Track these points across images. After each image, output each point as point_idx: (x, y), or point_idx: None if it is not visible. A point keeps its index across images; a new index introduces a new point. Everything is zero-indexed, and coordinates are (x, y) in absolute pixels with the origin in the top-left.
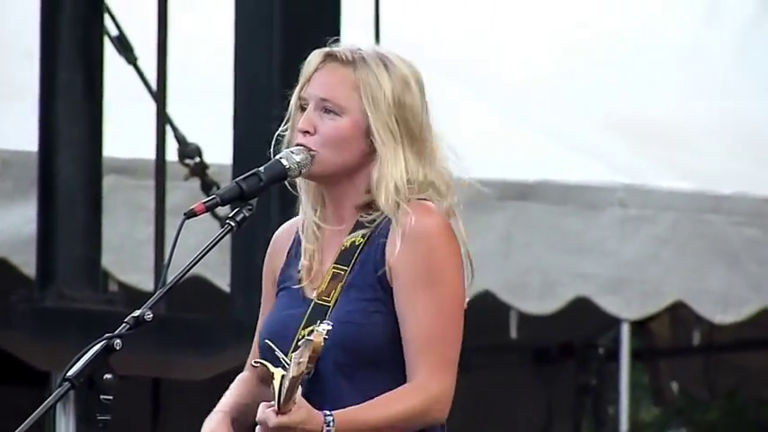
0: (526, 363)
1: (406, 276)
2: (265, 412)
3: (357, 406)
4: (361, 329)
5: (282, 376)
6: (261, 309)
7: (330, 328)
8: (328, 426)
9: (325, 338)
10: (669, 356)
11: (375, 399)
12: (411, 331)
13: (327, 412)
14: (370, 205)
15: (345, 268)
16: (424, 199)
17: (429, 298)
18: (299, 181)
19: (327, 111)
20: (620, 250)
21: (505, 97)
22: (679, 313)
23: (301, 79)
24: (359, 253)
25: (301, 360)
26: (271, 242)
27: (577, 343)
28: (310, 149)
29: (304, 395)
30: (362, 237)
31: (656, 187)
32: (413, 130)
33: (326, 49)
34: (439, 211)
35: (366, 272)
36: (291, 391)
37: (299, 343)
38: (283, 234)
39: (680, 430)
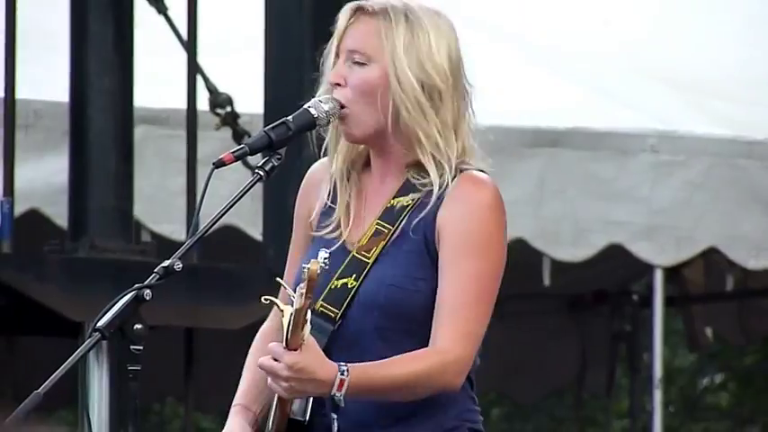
0: (560, 310)
1: (452, 244)
2: (273, 347)
3: (373, 362)
4: (406, 295)
5: (291, 313)
6: (290, 249)
7: (328, 255)
8: (342, 375)
9: (321, 266)
10: (703, 302)
11: (392, 357)
12: (444, 296)
13: (342, 364)
14: (420, 165)
15: (390, 227)
16: (478, 169)
17: (469, 267)
18: (335, 134)
19: (356, 62)
20: (652, 196)
21: (537, 45)
22: (712, 259)
23: (334, 37)
24: (406, 215)
25: (302, 291)
26: (304, 180)
27: (611, 290)
28: (342, 106)
29: (339, 352)
30: (412, 200)
31: (687, 133)
32: (437, 85)
33: (356, 3)
34: (493, 183)
35: (416, 237)
36: (297, 324)
37: (301, 275)
38: (319, 174)
39: (715, 375)
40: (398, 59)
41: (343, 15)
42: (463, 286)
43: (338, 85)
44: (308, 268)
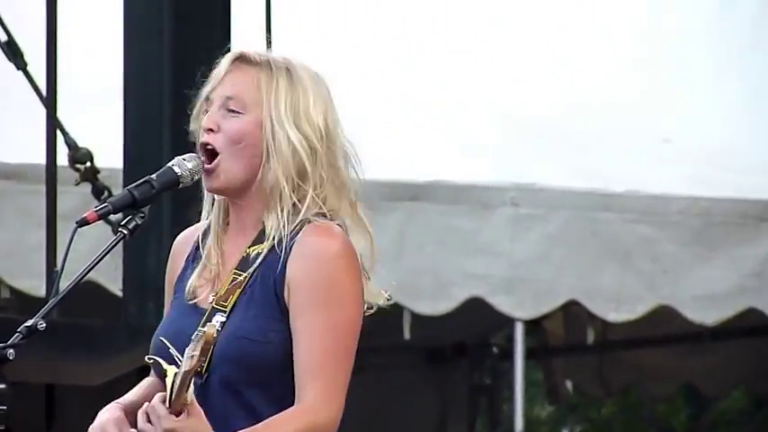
0: (420, 363)
1: (302, 297)
2: (155, 404)
3: (246, 429)
4: (255, 346)
5: (175, 373)
6: (165, 312)
7: (224, 320)
8: None
9: (218, 330)
10: (563, 355)
11: (263, 422)
12: (302, 352)
13: None
14: (275, 216)
15: (245, 275)
16: (324, 216)
17: (323, 320)
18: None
19: (231, 110)
20: (512, 250)
21: (393, 95)
22: (572, 311)
23: (211, 82)
24: (260, 264)
25: (194, 353)
26: (172, 247)
27: (471, 342)
28: (215, 153)
29: (205, 407)
30: (267, 248)
31: (547, 186)
32: (311, 138)
33: (237, 51)
34: (340, 232)
35: (266, 288)
36: (183, 386)
37: (192, 337)
38: (183, 239)
39: (575, 427)
40: (276, 111)
41: (224, 62)
42: (320, 341)
43: (211, 130)
44: (204, 332)
